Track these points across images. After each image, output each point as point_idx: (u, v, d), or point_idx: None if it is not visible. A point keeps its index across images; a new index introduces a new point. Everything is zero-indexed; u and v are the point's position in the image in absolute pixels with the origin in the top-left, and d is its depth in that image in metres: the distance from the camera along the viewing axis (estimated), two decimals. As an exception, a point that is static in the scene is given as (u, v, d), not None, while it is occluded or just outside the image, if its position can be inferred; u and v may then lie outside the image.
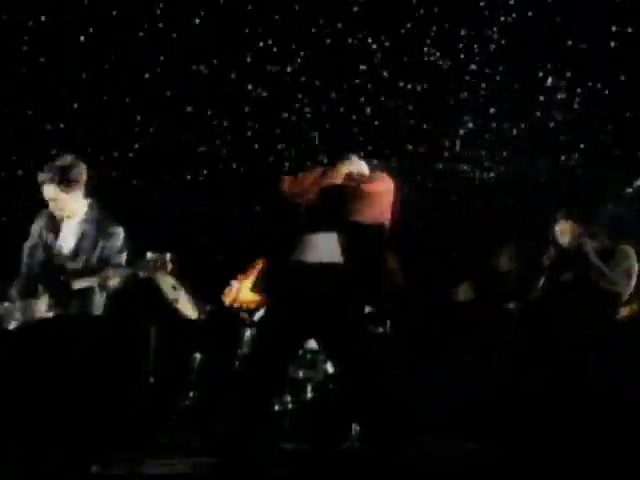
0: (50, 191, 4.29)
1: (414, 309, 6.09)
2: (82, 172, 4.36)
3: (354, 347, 3.20)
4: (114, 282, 4.23)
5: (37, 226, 4.43)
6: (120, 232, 4.41)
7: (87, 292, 4.29)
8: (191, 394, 6.12)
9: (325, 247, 3.24)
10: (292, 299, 3.26)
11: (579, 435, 4.22)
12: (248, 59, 6.83)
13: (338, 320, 3.21)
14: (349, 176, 3.41)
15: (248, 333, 5.90)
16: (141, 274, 4.22)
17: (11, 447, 4.17)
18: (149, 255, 4.17)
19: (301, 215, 3.33)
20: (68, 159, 4.32)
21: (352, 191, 3.35)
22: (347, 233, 3.26)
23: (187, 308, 6.20)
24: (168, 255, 4.18)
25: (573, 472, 4.00)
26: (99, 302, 4.34)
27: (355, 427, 5.14)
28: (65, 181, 4.28)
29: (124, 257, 4.37)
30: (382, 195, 3.38)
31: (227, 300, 6.05)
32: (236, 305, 5.98)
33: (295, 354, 3.58)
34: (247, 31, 6.78)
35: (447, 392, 6.10)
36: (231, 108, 6.92)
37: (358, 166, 3.51)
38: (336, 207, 3.30)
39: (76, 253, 4.32)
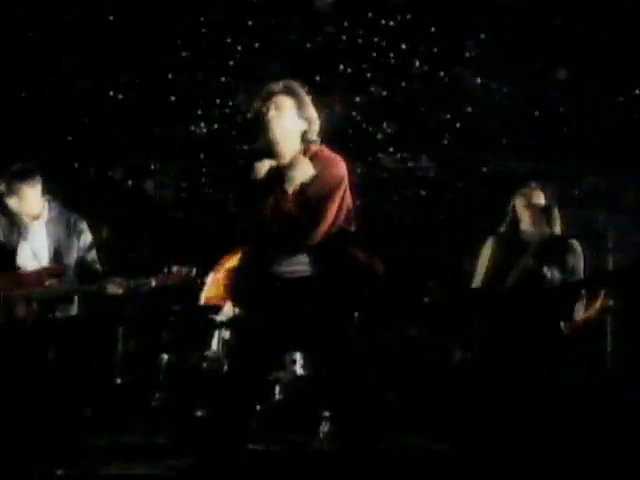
0: (18, 190, 4.24)
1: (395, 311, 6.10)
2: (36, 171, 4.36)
3: (331, 354, 3.15)
4: (118, 291, 4.22)
5: None
6: (86, 226, 4.40)
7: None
8: (158, 395, 6.07)
9: (294, 261, 3.13)
10: (266, 313, 3.19)
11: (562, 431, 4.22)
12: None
13: (317, 331, 3.15)
14: (301, 195, 3.06)
15: (216, 334, 5.87)
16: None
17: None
18: (175, 268, 4.17)
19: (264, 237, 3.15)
20: (20, 163, 4.33)
21: (302, 218, 3.07)
22: (313, 248, 3.11)
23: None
24: (194, 269, 4.21)
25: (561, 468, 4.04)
26: (76, 303, 4.34)
27: (323, 428, 5.14)
28: (30, 177, 4.27)
29: (94, 252, 4.37)
30: (334, 201, 3.10)
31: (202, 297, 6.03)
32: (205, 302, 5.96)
33: (270, 363, 3.47)
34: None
35: (428, 388, 6.17)
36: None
37: (303, 168, 3.09)
38: (291, 236, 3.09)
39: (57, 258, 4.28)
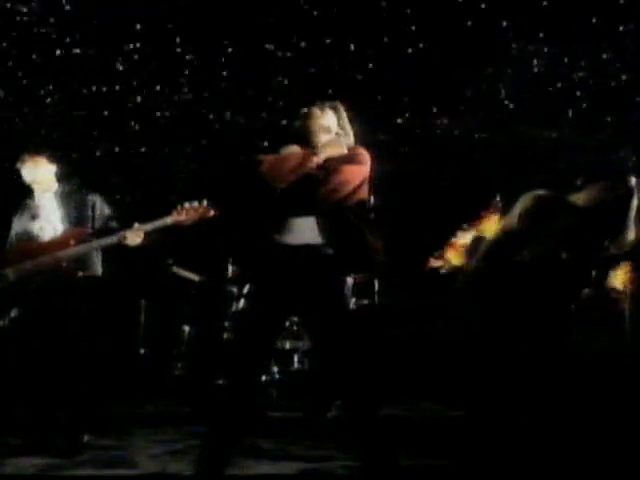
0: (32, 166, 4.37)
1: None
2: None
3: (335, 325, 3.22)
4: (137, 240, 4.17)
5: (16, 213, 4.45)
6: (99, 198, 4.43)
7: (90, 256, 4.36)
8: (180, 365, 6.19)
9: (304, 229, 3.24)
10: (273, 281, 3.26)
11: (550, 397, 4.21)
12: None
13: (319, 300, 3.22)
14: (327, 161, 3.32)
15: (236, 306, 5.96)
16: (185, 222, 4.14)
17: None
18: (187, 204, 4.11)
19: (278, 197, 3.28)
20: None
21: (323, 180, 3.27)
22: (324, 216, 3.25)
23: (186, 272, 6.30)
24: (205, 201, 4.14)
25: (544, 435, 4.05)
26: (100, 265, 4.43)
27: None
28: (48, 153, 4.42)
29: (115, 222, 4.42)
30: (355, 178, 3.31)
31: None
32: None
33: (280, 330, 3.57)
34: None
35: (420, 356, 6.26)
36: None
37: (337, 146, 3.39)
38: (308, 193, 3.25)
39: (77, 222, 4.37)
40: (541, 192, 4.20)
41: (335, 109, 3.50)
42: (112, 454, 4.11)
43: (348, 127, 3.52)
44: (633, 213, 4.18)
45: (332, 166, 3.32)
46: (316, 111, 3.46)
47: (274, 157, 3.38)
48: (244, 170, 3.57)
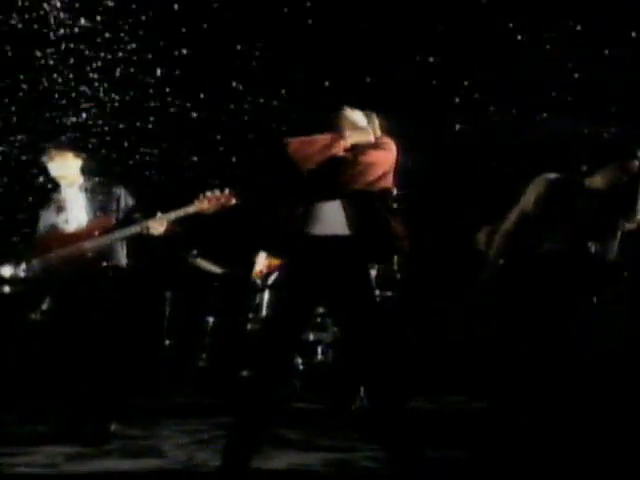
0: (59, 160, 4.42)
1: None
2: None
3: (362, 315, 3.22)
4: (160, 229, 4.19)
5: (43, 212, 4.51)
6: (123, 191, 4.47)
7: (115, 248, 4.37)
8: (204, 356, 6.23)
9: (331, 219, 3.24)
10: (301, 272, 3.27)
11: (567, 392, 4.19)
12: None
13: (348, 291, 3.22)
14: (353, 146, 3.33)
15: (259, 298, 5.98)
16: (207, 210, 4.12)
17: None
18: (209, 192, 4.11)
19: (305, 179, 3.29)
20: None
21: (351, 162, 3.29)
22: (350, 202, 3.25)
23: (209, 265, 6.33)
24: (227, 189, 4.13)
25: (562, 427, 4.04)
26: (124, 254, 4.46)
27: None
28: (75, 148, 4.47)
29: (139, 214, 4.44)
30: (381, 163, 3.32)
31: (260, 268, 6.13)
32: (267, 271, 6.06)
33: (306, 321, 3.58)
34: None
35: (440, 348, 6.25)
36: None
37: (365, 134, 3.41)
38: (334, 176, 3.27)
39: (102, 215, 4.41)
40: (552, 175, 4.19)
41: (367, 115, 3.55)
42: (139, 444, 4.14)
43: (379, 133, 3.54)
44: None
45: (359, 150, 3.34)
46: (347, 109, 3.51)
47: (301, 139, 3.37)
48: (271, 152, 3.57)
